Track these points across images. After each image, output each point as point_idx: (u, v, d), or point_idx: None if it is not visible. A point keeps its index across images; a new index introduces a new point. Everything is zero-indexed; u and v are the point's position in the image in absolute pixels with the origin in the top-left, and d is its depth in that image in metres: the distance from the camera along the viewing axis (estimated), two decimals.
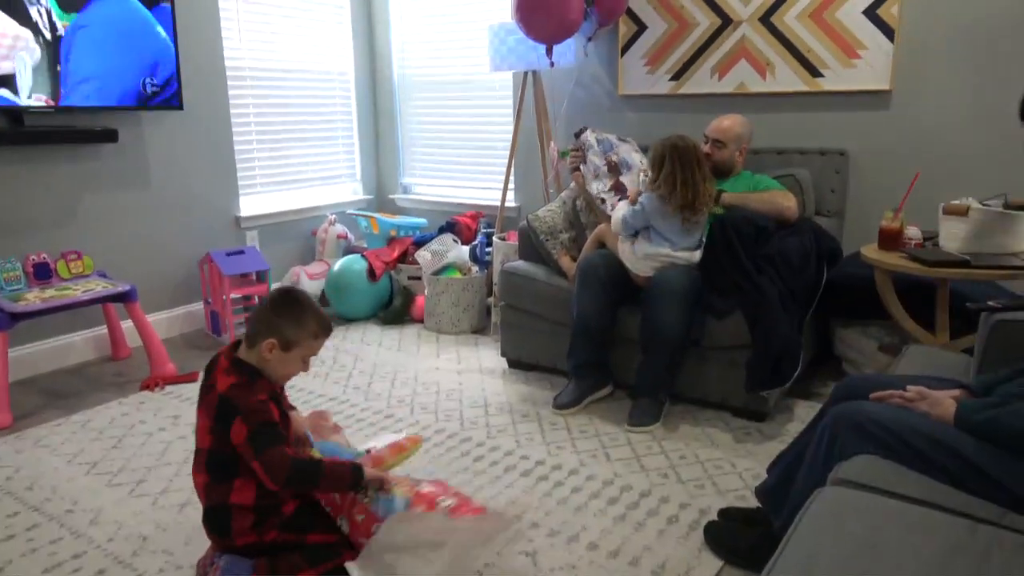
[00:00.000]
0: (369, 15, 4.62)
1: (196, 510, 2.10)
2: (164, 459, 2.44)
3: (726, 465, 2.35)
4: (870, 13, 3.07)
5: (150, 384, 3.05)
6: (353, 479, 1.69)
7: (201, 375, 1.82)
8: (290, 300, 1.75)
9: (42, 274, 3.08)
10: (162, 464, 2.41)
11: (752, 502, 2.02)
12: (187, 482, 2.21)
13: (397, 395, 2.96)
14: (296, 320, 1.72)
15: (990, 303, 1.86)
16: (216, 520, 1.73)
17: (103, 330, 3.44)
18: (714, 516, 2.03)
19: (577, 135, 3.18)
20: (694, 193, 2.56)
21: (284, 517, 1.73)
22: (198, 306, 3.86)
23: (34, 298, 2.89)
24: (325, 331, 1.78)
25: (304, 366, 1.77)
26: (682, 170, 2.57)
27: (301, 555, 1.72)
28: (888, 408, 1.54)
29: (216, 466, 1.71)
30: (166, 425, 2.71)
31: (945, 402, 1.50)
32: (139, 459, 2.45)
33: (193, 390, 3.01)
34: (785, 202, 2.77)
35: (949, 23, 2.96)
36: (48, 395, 3.03)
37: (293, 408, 1.88)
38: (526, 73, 3.73)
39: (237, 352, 1.74)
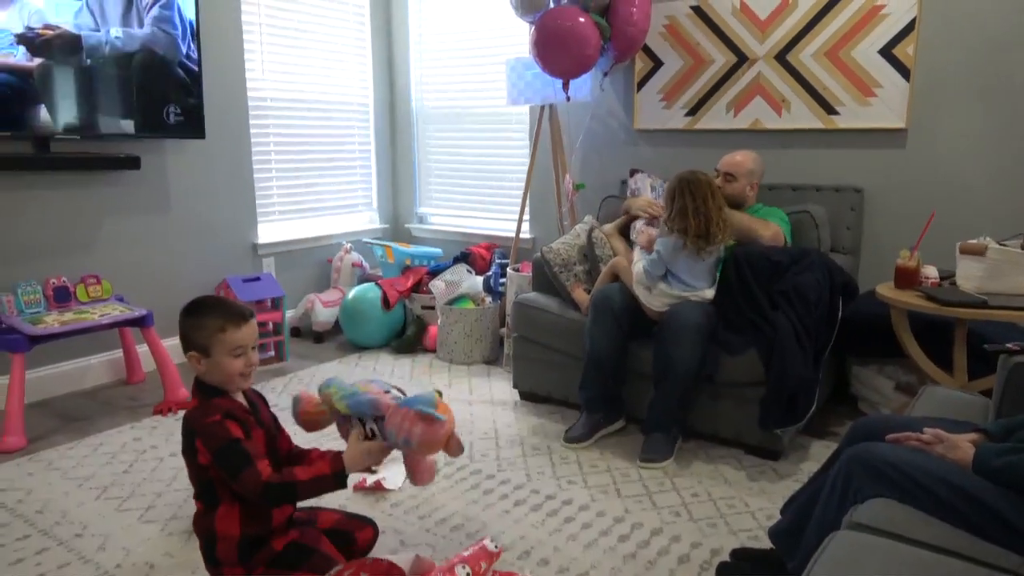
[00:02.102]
0: (389, 48, 4.70)
1: None
2: (174, 485, 2.44)
3: (739, 504, 2.32)
4: (886, 52, 3.09)
5: (163, 409, 3.07)
6: (336, 482, 1.66)
7: None
8: (187, 310, 1.73)
9: (61, 297, 3.12)
10: (171, 490, 2.41)
11: (765, 543, 1.98)
12: (195, 510, 2.21)
13: None
14: (195, 325, 1.69)
15: (1009, 345, 1.83)
16: (206, 550, 1.73)
17: (119, 354, 3.46)
18: (726, 557, 2.00)
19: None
20: (706, 220, 2.57)
21: (273, 553, 1.72)
22: None
23: (53, 321, 2.92)
24: (231, 320, 1.69)
25: (241, 362, 1.70)
26: (693, 199, 2.58)
27: None
28: (904, 450, 1.52)
29: (201, 493, 1.72)
30: (177, 451, 2.70)
31: (963, 446, 1.48)
32: (149, 484, 2.45)
33: None
34: (762, 230, 2.76)
35: (965, 62, 2.96)
36: (62, 418, 3.04)
37: (269, 413, 1.86)
38: (543, 107, 3.77)
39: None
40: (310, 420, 1.98)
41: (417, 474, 1.83)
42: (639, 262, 2.75)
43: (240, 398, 1.78)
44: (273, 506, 1.71)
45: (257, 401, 1.85)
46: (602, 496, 2.37)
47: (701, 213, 2.57)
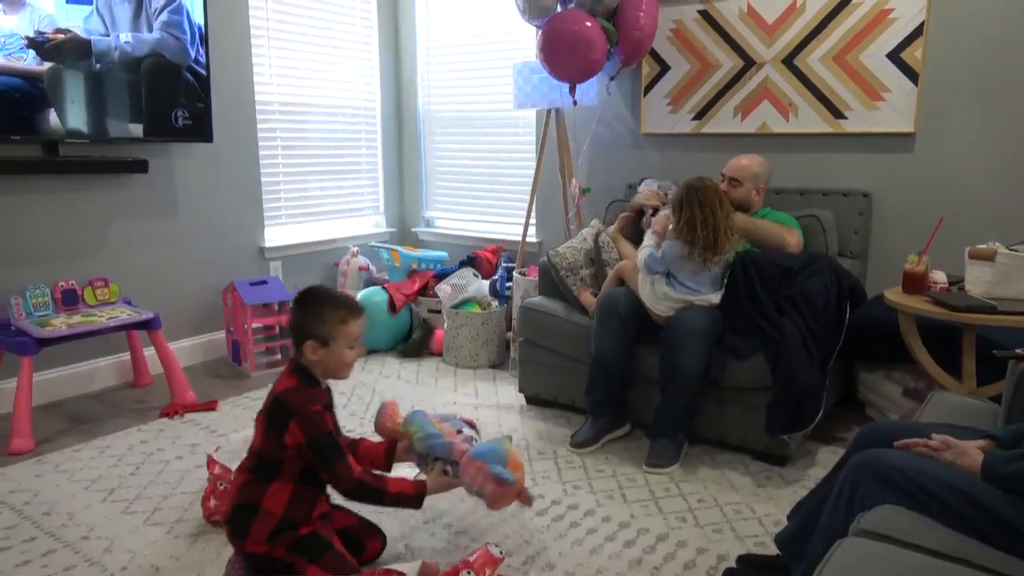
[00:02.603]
0: (396, 52, 4.72)
1: (209, 541, 2.11)
2: (180, 488, 2.45)
3: (745, 510, 2.31)
4: (894, 56, 3.08)
5: (170, 412, 3.07)
6: (416, 503, 1.83)
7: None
8: (308, 299, 1.80)
9: (69, 300, 3.13)
10: (178, 493, 2.41)
11: (772, 549, 1.97)
12: (200, 513, 2.21)
13: None
14: (316, 316, 1.76)
15: (1018, 351, 1.82)
16: (240, 518, 1.78)
17: (126, 357, 3.48)
18: (732, 563, 1.99)
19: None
20: (714, 232, 2.55)
21: (296, 537, 1.78)
22: (220, 335, 3.90)
23: (60, 324, 2.94)
24: (352, 313, 1.80)
25: (354, 353, 1.82)
26: (700, 211, 2.57)
27: None
28: (912, 457, 1.50)
29: (260, 466, 1.78)
30: (183, 453, 2.72)
31: (971, 452, 1.47)
32: (156, 487, 2.46)
33: (211, 419, 3.04)
34: (789, 237, 2.76)
35: (973, 66, 2.95)
36: (70, 420, 3.06)
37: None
38: (549, 111, 3.77)
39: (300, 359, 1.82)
40: (387, 432, 2.08)
41: (491, 505, 1.91)
42: (645, 248, 2.75)
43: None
44: (357, 501, 1.82)
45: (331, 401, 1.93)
46: (608, 501, 2.36)
47: (709, 225, 2.56)
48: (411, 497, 1.83)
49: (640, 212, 3.12)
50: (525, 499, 1.93)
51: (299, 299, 1.81)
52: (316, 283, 1.89)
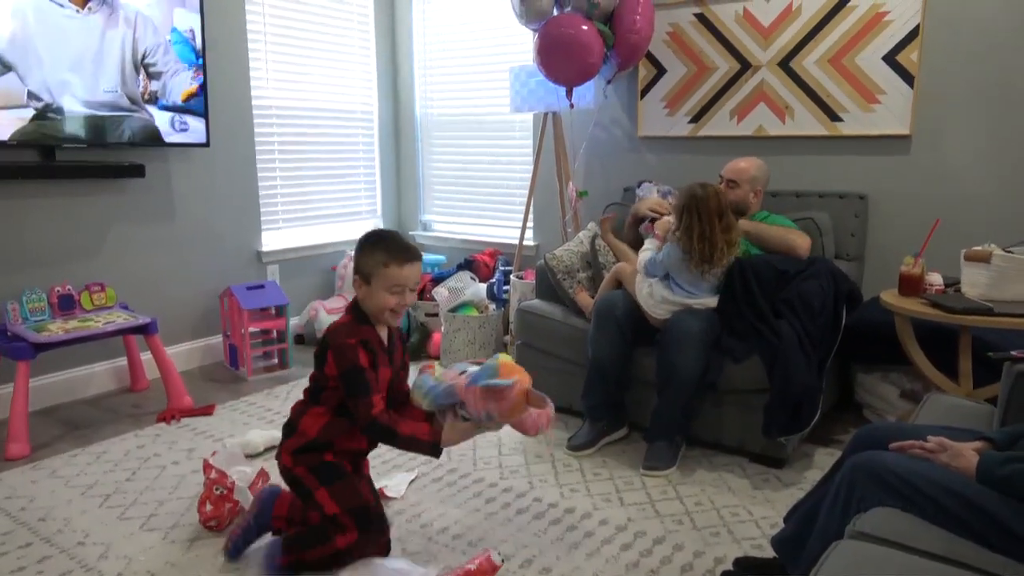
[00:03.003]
0: (393, 55, 4.72)
1: (205, 547, 2.11)
2: (176, 493, 2.44)
3: (742, 512, 2.30)
4: (889, 59, 3.09)
5: (166, 417, 3.07)
6: (431, 451, 1.83)
7: None
8: (365, 237, 1.92)
9: (66, 305, 3.13)
10: (174, 498, 2.41)
11: (769, 551, 1.96)
12: (196, 518, 2.21)
13: None
14: (367, 253, 1.86)
15: (1014, 353, 1.82)
16: (285, 430, 1.96)
17: (123, 361, 3.47)
18: (729, 565, 1.98)
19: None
20: (711, 246, 2.55)
21: (319, 461, 1.91)
22: (217, 339, 3.90)
23: (57, 329, 2.93)
24: (394, 258, 1.84)
25: (395, 299, 1.85)
26: (699, 222, 2.57)
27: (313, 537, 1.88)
28: (908, 459, 1.50)
29: (310, 390, 1.94)
30: (180, 459, 2.71)
31: (967, 454, 1.46)
32: (152, 492, 2.45)
33: (208, 424, 3.03)
34: (796, 238, 2.76)
35: (969, 69, 2.96)
36: (66, 425, 3.05)
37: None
38: (546, 114, 3.78)
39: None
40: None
41: (525, 430, 1.80)
42: (646, 251, 2.75)
43: (383, 333, 1.95)
44: (371, 437, 1.92)
45: (397, 341, 2.03)
46: (605, 504, 2.35)
47: (706, 238, 2.55)
48: (424, 443, 1.82)
49: (640, 219, 3.10)
50: (537, 400, 1.80)
51: (362, 237, 1.93)
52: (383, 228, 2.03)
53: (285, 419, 2.00)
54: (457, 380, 1.81)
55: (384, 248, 1.85)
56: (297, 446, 1.92)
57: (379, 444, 1.96)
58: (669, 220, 2.75)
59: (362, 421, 1.83)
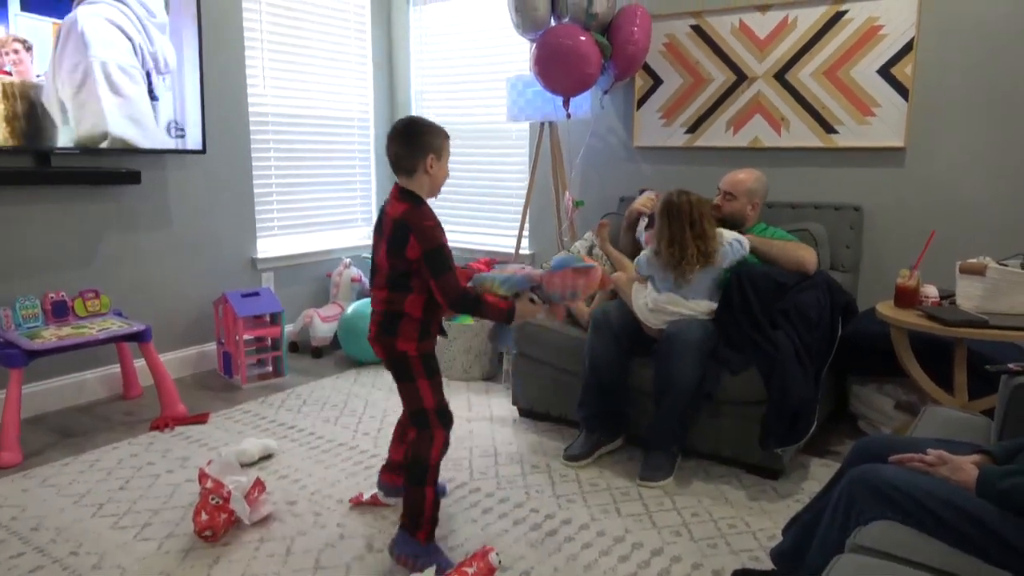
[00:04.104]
0: (390, 64, 4.73)
1: (200, 557, 2.09)
2: (171, 502, 2.42)
3: (740, 524, 2.30)
4: (884, 72, 3.11)
5: (160, 425, 3.05)
6: (507, 317, 2.06)
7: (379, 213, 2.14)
8: (416, 122, 2.08)
9: (59, 312, 3.11)
10: (168, 507, 2.39)
11: (767, 563, 1.97)
12: (191, 527, 2.19)
13: None
14: (431, 133, 2.06)
15: (1011, 366, 1.83)
16: (389, 324, 2.05)
17: (116, 368, 3.45)
18: None
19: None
20: (680, 251, 2.57)
21: (427, 350, 2.09)
22: (211, 346, 3.88)
23: (50, 336, 2.91)
24: (447, 135, 2.12)
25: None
26: (669, 228, 2.60)
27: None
28: (907, 472, 1.51)
29: (394, 283, 2.03)
30: (174, 467, 2.69)
31: (966, 467, 1.47)
32: (145, 501, 2.43)
33: (202, 432, 3.01)
34: (805, 254, 2.76)
35: (963, 82, 2.98)
36: (58, 433, 3.02)
37: None
38: (543, 123, 3.79)
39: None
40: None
41: (553, 314, 2.23)
42: (643, 254, 2.78)
43: None
44: (457, 311, 2.08)
45: None
46: (602, 515, 2.35)
47: (676, 243, 2.58)
48: (504, 311, 2.05)
49: (636, 220, 3.11)
50: (607, 280, 2.23)
51: (410, 126, 2.07)
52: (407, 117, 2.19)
53: (378, 313, 2.08)
54: (529, 271, 2.11)
55: (438, 128, 2.09)
56: (417, 330, 2.05)
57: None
58: (649, 195, 2.85)
59: (452, 295, 1.97)
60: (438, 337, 2.15)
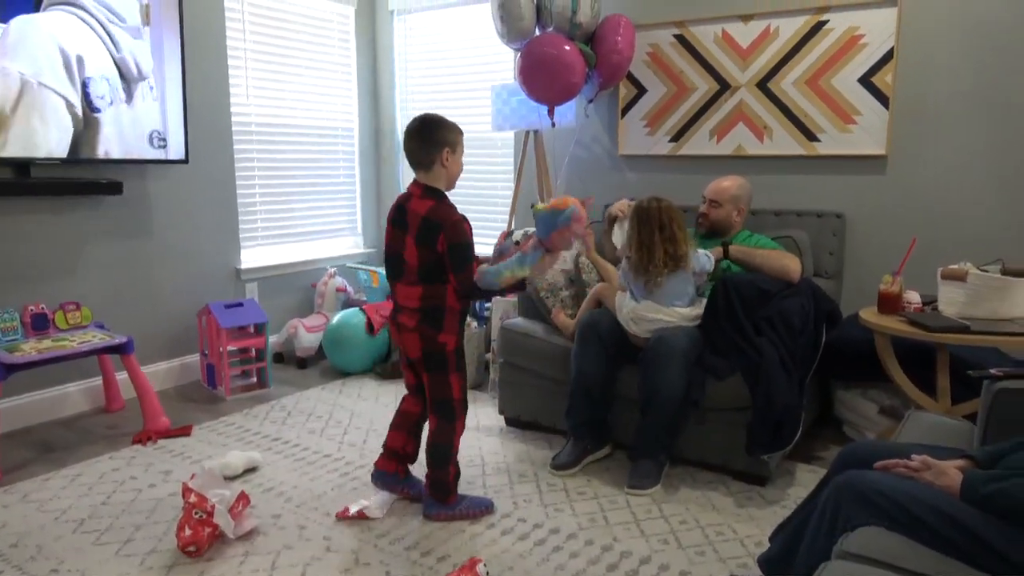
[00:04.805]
0: (374, 72, 4.72)
1: (183, 573, 2.06)
2: (153, 517, 2.39)
3: (727, 531, 2.30)
4: (865, 81, 3.15)
5: (142, 438, 3.01)
6: (523, 287, 2.20)
7: (394, 209, 2.25)
8: (430, 118, 2.18)
9: (39, 325, 3.07)
10: (151, 522, 2.35)
11: (754, 570, 1.97)
12: (175, 542, 2.16)
13: None
14: (447, 128, 2.17)
15: (992, 371, 1.84)
16: (433, 318, 2.17)
17: (98, 381, 3.40)
18: None
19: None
20: (648, 256, 2.60)
21: (459, 343, 2.24)
22: (194, 358, 3.84)
23: (30, 349, 2.87)
24: (461, 130, 2.22)
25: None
26: (638, 233, 2.63)
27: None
28: (892, 477, 1.52)
29: (428, 276, 2.13)
30: (157, 481, 2.66)
31: (950, 472, 1.48)
32: (128, 516, 2.40)
33: (185, 445, 2.98)
34: (790, 263, 2.77)
35: (942, 91, 3.02)
36: (39, 448, 2.98)
37: None
38: (528, 132, 3.79)
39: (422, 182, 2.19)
40: None
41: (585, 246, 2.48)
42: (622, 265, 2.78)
43: None
44: (469, 299, 2.22)
45: None
46: (590, 524, 2.34)
47: (645, 247, 2.61)
48: (520, 281, 2.15)
49: (613, 222, 3.12)
50: (588, 201, 2.17)
51: (425, 122, 2.17)
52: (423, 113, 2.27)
53: (416, 308, 2.18)
54: (535, 240, 2.15)
55: (452, 123, 2.18)
56: (458, 322, 2.20)
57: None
58: (628, 201, 2.90)
59: (466, 287, 2.12)
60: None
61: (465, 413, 2.33)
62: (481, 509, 2.37)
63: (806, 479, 2.64)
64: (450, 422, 2.29)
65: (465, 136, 2.26)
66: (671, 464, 2.72)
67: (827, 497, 1.56)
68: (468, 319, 3.80)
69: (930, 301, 2.67)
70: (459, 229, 2.10)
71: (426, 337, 2.20)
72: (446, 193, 2.19)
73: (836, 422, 3.08)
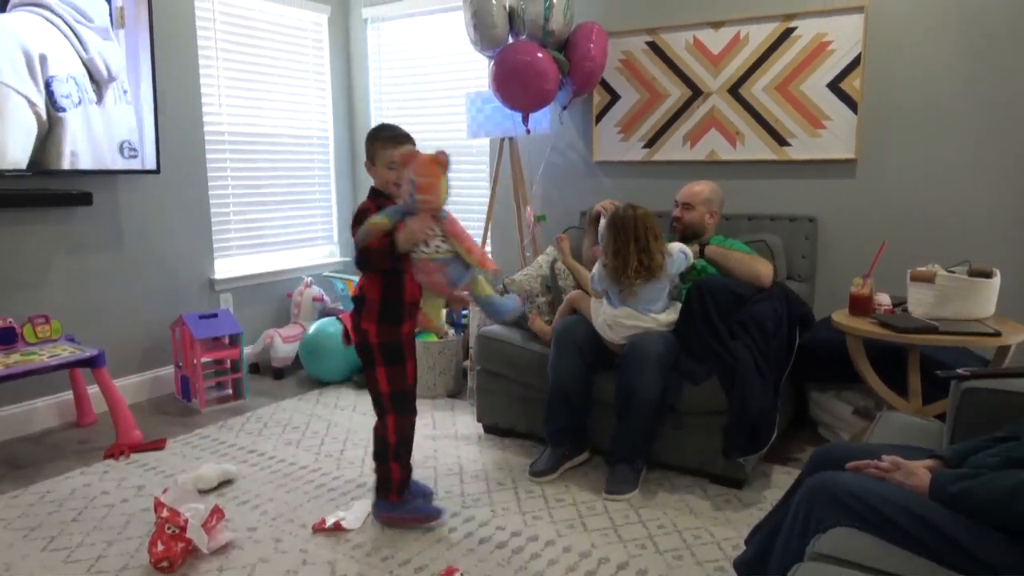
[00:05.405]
0: (348, 80, 4.71)
1: None
2: (125, 533, 2.35)
3: (705, 535, 2.31)
4: (833, 86, 3.19)
5: (115, 452, 2.96)
6: (392, 247, 2.10)
7: None
8: (370, 131, 2.32)
9: (7, 339, 3.01)
10: (123, 539, 2.32)
11: (731, 574, 1.97)
12: (147, 559, 2.12)
13: (371, 463, 2.88)
14: (368, 142, 2.30)
15: (959, 371, 1.87)
16: (359, 307, 2.29)
17: (68, 395, 3.35)
18: None
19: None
20: (624, 263, 2.61)
21: (395, 336, 2.28)
22: (168, 370, 3.79)
23: None
24: (386, 142, 2.25)
25: (394, 174, 2.22)
26: (614, 240, 2.64)
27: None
28: (863, 479, 1.53)
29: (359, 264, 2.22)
30: (129, 496, 2.61)
31: (919, 472, 1.50)
32: (99, 533, 2.35)
33: (158, 459, 2.93)
34: (761, 268, 2.80)
35: (909, 95, 3.08)
36: (7, 464, 2.92)
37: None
38: (503, 139, 3.80)
39: None
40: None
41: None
42: (594, 269, 2.78)
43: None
44: (358, 266, 2.22)
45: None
46: (568, 531, 2.34)
47: (620, 255, 2.62)
48: (387, 244, 2.10)
49: (597, 218, 3.12)
50: (440, 156, 2.13)
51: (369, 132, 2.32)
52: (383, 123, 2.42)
53: (353, 298, 2.32)
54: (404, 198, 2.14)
55: (377, 135, 2.29)
56: (378, 312, 2.25)
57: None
58: (613, 200, 2.94)
59: (356, 252, 2.17)
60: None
61: (400, 411, 2.32)
62: (426, 515, 2.38)
63: (782, 481, 2.66)
64: (381, 417, 2.33)
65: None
66: (648, 469, 2.73)
67: (800, 499, 1.57)
68: (445, 327, 3.79)
69: (900, 303, 2.71)
70: (359, 210, 2.21)
71: (356, 328, 2.30)
72: (386, 193, 2.28)
73: (812, 424, 3.11)
